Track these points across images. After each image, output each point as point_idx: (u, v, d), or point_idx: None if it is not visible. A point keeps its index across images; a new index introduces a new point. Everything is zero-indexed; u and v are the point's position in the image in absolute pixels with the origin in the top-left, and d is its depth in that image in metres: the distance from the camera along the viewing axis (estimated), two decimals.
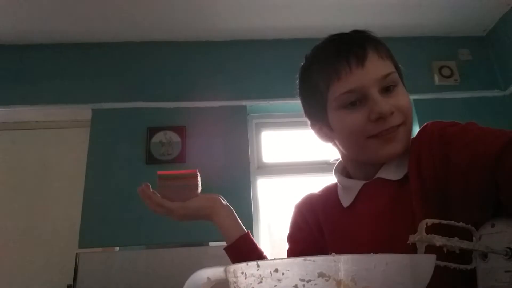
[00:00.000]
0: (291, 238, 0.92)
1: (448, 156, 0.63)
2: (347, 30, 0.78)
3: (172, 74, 2.59)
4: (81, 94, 2.51)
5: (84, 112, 2.49)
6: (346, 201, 0.78)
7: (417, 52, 2.73)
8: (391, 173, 0.71)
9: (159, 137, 2.39)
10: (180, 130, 2.41)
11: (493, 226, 0.75)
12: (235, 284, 0.32)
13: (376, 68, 0.68)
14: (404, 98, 0.70)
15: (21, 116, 2.55)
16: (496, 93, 2.64)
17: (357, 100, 0.68)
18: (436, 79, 2.63)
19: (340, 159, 0.82)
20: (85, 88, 2.53)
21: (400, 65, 0.76)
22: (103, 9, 2.37)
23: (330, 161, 2.54)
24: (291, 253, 0.90)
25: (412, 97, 2.58)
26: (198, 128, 2.44)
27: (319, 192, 0.91)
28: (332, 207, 0.82)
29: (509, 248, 0.69)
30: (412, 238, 0.63)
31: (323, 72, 0.71)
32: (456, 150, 0.62)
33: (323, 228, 0.83)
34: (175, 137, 2.39)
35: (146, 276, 2.09)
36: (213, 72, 2.61)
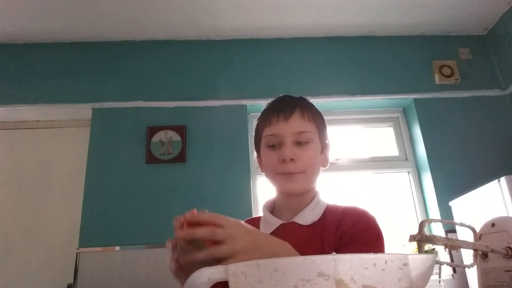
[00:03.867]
0: None
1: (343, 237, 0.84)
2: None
3: (172, 73, 2.59)
4: (81, 94, 2.51)
5: (84, 111, 2.50)
6: (265, 231, 0.91)
7: (418, 51, 2.73)
8: (303, 220, 0.89)
9: (159, 136, 2.39)
10: (180, 130, 2.41)
11: (493, 225, 0.75)
12: (235, 284, 0.32)
13: (296, 125, 0.89)
14: (310, 153, 0.89)
15: (21, 115, 2.56)
16: (496, 92, 2.64)
17: (276, 144, 0.89)
18: (437, 78, 2.63)
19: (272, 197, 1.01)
20: (85, 88, 2.53)
21: (324, 132, 0.95)
22: (103, 8, 2.37)
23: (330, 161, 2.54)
24: None
25: (412, 96, 2.59)
26: (199, 127, 2.44)
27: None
28: None
29: (509, 247, 0.69)
30: (412, 238, 0.63)
31: (263, 119, 0.94)
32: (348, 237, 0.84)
33: None
34: (175, 137, 2.40)
35: (146, 275, 2.09)
36: (213, 71, 2.61)
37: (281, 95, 0.98)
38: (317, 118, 0.94)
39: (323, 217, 0.90)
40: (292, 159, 0.86)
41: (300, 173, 0.88)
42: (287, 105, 0.92)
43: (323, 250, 0.82)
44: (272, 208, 0.98)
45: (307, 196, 0.93)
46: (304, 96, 0.97)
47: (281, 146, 0.88)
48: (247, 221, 0.97)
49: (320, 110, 0.96)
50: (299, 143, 0.88)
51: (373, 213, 0.88)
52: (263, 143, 0.92)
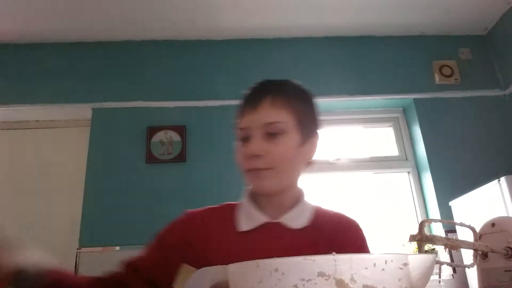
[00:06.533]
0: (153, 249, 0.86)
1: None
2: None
3: (172, 73, 2.59)
4: (81, 94, 2.51)
5: (84, 111, 2.50)
6: (243, 227, 0.82)
7: (418, 51, 2.73)
8: (292, 222, 0.80)
9: (159, 136, 2.39)
10: (180, 130, 2.41)
11: (493, 225, 0.75)
12: (235, 284, 0.32)
13: (264, 115, 0.78)
14: (282, 147, 0.78)
15: (21, 115, 2.56)
16: (496, 92, 2.64)
17: (246, 137, 0.80)
18: (437, 78, 2.63)
19: None
20: (85, 88, 2.53)
21: (305, 118, 0.84)
22: (103, 8, 2.37)
23: (331, 160, 2.54)
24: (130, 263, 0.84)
25: (412, 96, 2.59)
26: (199, 127, 2.44)
27: (213, 207, 0.90)
28: (228, 226, 0.83)
29: (509, 247, 0.69)
30: (412, 238, 0.63)
31: (238, 109, 0.85)
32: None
33: (207, 243, 0.81)
34: (175, 137, 2.40)
35: None
36: (213, 71, 2.61)
37: (263, 79, 0.88)
38: (296, 105, 0.82)
39: (314, 223, 0.82)
40: (257, 155, 0.77)
41: (268, 170, 0.78)
42: (257, 93, 0.83)
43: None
44: (255, 199, 0.86)
45: (290, 194, 0.84)
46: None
47: (249, 140, 0.79)
48: (223, 206, 0.88)
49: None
50: (271, 135, 0.78)
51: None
52: (237, 135, 0.83)
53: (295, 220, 0.81)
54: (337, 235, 0.80)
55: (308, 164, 0.87)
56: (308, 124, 0.84)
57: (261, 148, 0.77)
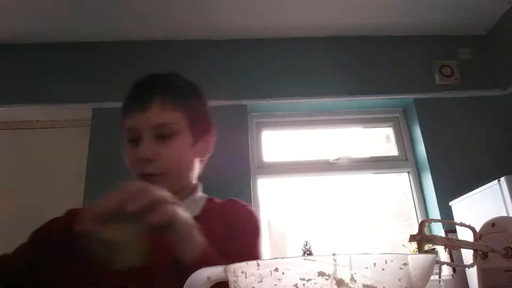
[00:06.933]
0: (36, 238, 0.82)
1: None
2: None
3: None
4: (82, 94, 2.51)
5: (84, 111, 2.49)
6: None
7: (418, 51, 2.74)
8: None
9: None
10: None
11: (493, 225, 0.75)
12: (235, 284, 0.32)
13: (155, 116, 0.74)
14: (175, 150, 0.75)
15: (21, 115, 2.56)
16: (496, 92, 2.64)
17: (135, 139, 0.75)
18: (437, 78, 2.64)
19: None
20: (86, 88, 2.53)
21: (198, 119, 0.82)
22: (103, 8, 2.37)
23: (331, 160, 2.54)
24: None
25: (412, 96, 2.59)
26: None
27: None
28: None
29: (509, 247, 0.69)
30: (412, 238, 0.63)
31: (123, 107, 0.79)
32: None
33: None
34: None
35: None
36: (213, 71, 2.61)
37: (148, 74, 0.82)
38: (186, 103, 0.79)
39: (205, 212, 0.79)
40: (149, 159, 0.73)
41: (161, 175, 0.74)
42: (145, 92, 0.77)
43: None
44: None
45: (184, 192, 0.81)
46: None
47: (139, 143, 0.74)
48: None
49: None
50: (162, 137, 0.75)
51: (254, 210, 0.81)
52: (124, 136, 0.78)
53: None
54: (230, 219, 0.79)
55: (202, 161, 0.86)
56: (200, 122, 0.83)
57: (153, 151, 0.73)
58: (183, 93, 0.81)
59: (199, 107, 0.85)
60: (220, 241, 0.69)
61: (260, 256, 0.76)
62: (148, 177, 0.74)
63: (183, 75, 0.87)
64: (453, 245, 0.61)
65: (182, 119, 0.77)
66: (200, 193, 0.85)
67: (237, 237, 0.76)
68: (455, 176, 2.37)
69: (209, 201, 0.84)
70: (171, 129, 0.75)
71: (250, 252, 0.75)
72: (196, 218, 0.76)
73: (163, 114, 0.75)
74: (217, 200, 0.86)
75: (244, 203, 0.84)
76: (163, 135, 0.75)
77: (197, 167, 0.84)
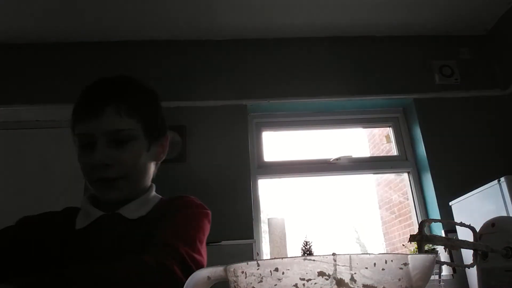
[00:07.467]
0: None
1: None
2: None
3: (173, 73, 2.59)
4: None
5: None
6: (79, 225, 0.79)
7: (418, 51, 2.73)
8: (129, 213, 0.78)
9: None
10: (180, 130, 2.41)
11: (493, 225, 0.75)
12: (235, 284, 0.32)
13: (110, 122, 0.74)
14: (131, 155, 0.76)
15: (21, 115, 2.55)
16: (496, 92, 2.64)
17: (87, 144, 0.75)
18: (437, 78, 2.64)
19: None
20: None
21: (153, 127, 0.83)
22: (103, 8, 2.37)
23: (331, 160, 2.54)
24: None
25: (412, 96, 2.59)
26: (199, 127, 2.44)
27: (53, 211, 0.89)
28: (66, 227, 0.81)
29: (509, 247, 0.69)
30: (412, 238, 0.63)
31: (74, 111, 0.78)
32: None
33: (42, 244, 0.78)
34: (175, 137, 2.39)
35: None
36: (213, 71, 2.61)
37: (99, 78, 0.82)
38: (140, 109, 0.80)
39: (152, 210, 0.81)
40: (106, 164, 0.74)
41: (120, 179, 0.76)
42: (99, 98, 0.77)
43: (144, 244, 0.70)
44: (95, 197, 0.83)
45: (140, 193, 0.82)
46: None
47: (94, 148, 0.74)
48: (63, 210, 0.86)
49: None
50: (118, 142, 0.76)
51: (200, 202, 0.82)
52: (75, 141, 0.78)
53: (135, 210, 0.79)
54: (170, 208, 0.80)
55: (157, 164, 0.87)
56: (155, 126, 0.84)
57: (109, 156, 0.74)
58: (139, 99, 0.81)
59: (154, 112, 0.86)
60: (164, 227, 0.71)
61: (196, 237, 0.73)
62: (104, 181, 0.75)
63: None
64: (453, 245, 0.61)
65: (137, 125, 0.78)
66: (153, 193, 0.85)
67: (173, 216, 0.76)
68: (455, 176, 2.37)
69: (160, 200, 0.85)
70: (127, 135, 0.76)
71: (185, 228, 0.73)
72: (141, 219, 0.77)
73: (118, 120, 0.75)
74: (169, 199, 0.87)
75: (192, 197, 0.84)
76: (119, 140, 0.76)
77: (152, 170, 0.85)
